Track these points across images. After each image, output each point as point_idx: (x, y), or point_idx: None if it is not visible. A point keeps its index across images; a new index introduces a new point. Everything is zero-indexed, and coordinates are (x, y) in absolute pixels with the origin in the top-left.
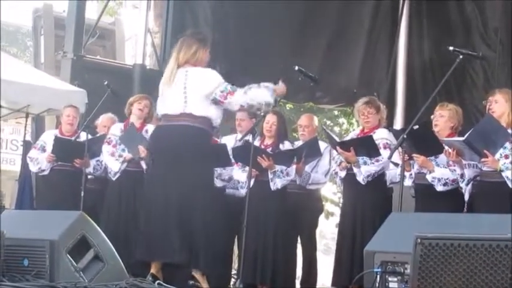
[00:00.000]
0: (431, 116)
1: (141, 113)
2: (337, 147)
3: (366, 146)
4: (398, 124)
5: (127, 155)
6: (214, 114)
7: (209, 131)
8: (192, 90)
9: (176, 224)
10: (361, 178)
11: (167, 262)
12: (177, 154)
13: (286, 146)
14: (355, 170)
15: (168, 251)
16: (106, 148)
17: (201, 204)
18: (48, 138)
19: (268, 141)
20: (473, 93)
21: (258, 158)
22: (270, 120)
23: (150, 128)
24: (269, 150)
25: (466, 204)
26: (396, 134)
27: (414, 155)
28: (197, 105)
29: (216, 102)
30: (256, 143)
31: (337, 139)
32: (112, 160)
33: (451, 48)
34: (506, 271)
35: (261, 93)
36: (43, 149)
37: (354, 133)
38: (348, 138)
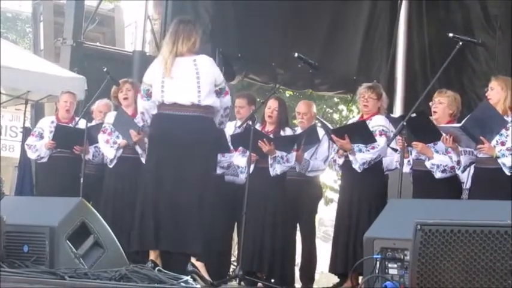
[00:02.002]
0: (430, 103)
1: (127, 101)
2: (332, 135)
3: (360, 133)
4: (397, 112)
5: (121, 141)
6: (218, 103)
7: (214, 121)
8: (205, 80)
9: (173, 212)
10: (357, 166)
11: (165, 250)
12: (191, 145)
13: (287, 132)
14: (350, 157)
15: (165, 239)
16: (102, 137)
17: (202, 193)
18: (45, 125)
19: (269, 128)
20: (473, 80)
21: (259, 142)
22: (272, 106)
23: None
24: (270, 136)
25: (468, 191)
26: (394, 121)
27: (413, 142)
28: (210, 96)
29: (220, 92)
30: (258, 128)
31: (330, 126)
32: (107, 147)
33: (450, 34)
34: (506, 257)
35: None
36: (41, 136)
37: (352, 120)
38: None
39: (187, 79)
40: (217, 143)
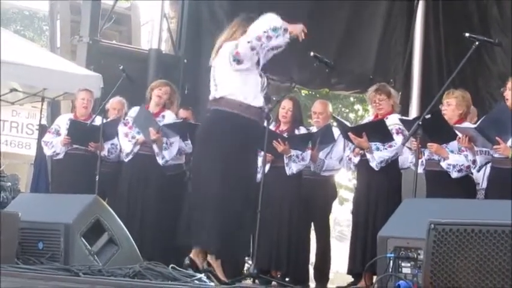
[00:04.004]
0: (440, 106)
1: (159, 99)
2: (349, 133)
3: (378, 131)
4: (414, 111)
5: (140, 137)
6: (242, 91)
7: (240, 114)
8: (219, 68)
9: (193, 208)
10: (374, 164)
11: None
12: (207, 142)
13: (301, 131)
14: (368, 155)
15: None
16: (122, 129)
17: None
18: (62, 122)
19: (283, 127)
20: (488, 81)
21: (273, 142)
22: (286, 106)
23: (167, 114)
24: (284, 135)
25: (484, 191)
26: (408, 123)
27: (428, 143)
28: (225, 85)
29: (238, 61)
30: (272, 128)
31: (349, 124)
32: (125, 141)
33: (467, 34)
34: None
35: (264, 21)
36: (57, 133)
37: (367, 119)
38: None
39: (211, 74)
40: (234, 137)
